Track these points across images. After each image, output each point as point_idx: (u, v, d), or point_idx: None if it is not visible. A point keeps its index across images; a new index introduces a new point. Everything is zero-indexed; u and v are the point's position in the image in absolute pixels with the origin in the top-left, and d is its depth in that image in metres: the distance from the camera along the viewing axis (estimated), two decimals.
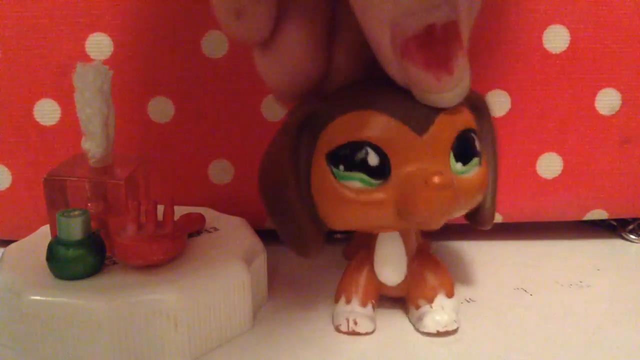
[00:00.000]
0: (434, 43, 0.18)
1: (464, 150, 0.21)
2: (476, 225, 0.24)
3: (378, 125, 0.20)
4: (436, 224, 0.21)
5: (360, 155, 0.20)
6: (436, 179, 0.19)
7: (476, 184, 0.21)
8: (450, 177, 0.20)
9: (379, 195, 0.20)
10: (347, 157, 0.20)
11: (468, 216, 0.23)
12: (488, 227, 0.23)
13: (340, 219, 0.21)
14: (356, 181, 0.20)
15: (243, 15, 0.18)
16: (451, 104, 0.20)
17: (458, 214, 0.22)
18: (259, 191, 0.22)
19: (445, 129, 0.20)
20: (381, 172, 0.20)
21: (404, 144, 0.20)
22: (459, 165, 0.20)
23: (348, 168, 0.20)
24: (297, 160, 0.21)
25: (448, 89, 0.19)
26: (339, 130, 0.20)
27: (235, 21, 0.19)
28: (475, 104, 0.22)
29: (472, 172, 0.21)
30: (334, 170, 0.20)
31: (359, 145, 0.20)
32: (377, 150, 0.20)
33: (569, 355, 0.21)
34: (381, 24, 0.18)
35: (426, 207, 0.19)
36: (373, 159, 0.20)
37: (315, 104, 0.21)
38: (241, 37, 0.19)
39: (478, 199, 0.22)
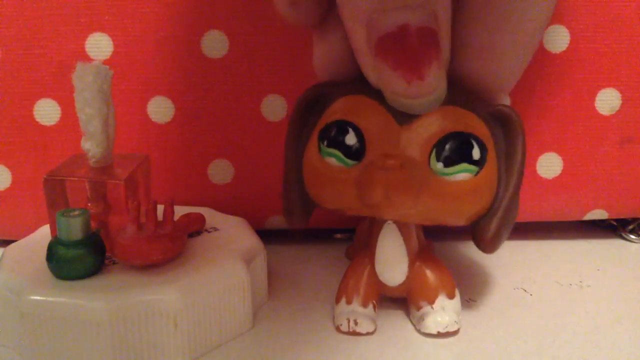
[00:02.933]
0: (407, 44, 0.18)
1: (449, 151, 0.20)
2: (476, 245, 0.22)
3: (363, 109, 0.21)
4: (387, 208, 0.20)
5: (340, 133, 0.21)
6: (385, 159, 0.19)
7: (461, 191, 0.20)
8: (399, 161, 0.19)
9: (348, 175, 0.20)
10: (330, 134, 0.21)
11: (472, 234, 0.22)
12: (487, 252, 0.22)
13: (316, 193, 0.22)
14: (333, 158, 0.21)
15: (296, 4, 0.20)
16: (422, 112, 0.20)
17: (440, 219, 0.21)
18: None
19: (430, 126, 0.20)
20: (357, 153, 0.20)
21: (381, 130, 0.20)
22: (439, 165, 0.20)
23: (329, 144, 0.21)
24: (300, 135, 0.22)
25: (418, 95, 0.19)
26: (335, 110, 0.21)
27: (289, 7, 0.21)
28: (502, 119, 0.21)
29: (458, 177, 0.20)
30: (320, 145, 0.21)
31: (342, 124, 0.21)
32: (357, 132, 0.20)
33: (569, 355, 0.21)
34: (358, 21, 0.19)
35: (371, 184, 0.20)
36: (351, 140, 0.20)
37: (327, 85, 0.22)
38: (294, 21, 0.21)
39: (466, 210, 0.21)
